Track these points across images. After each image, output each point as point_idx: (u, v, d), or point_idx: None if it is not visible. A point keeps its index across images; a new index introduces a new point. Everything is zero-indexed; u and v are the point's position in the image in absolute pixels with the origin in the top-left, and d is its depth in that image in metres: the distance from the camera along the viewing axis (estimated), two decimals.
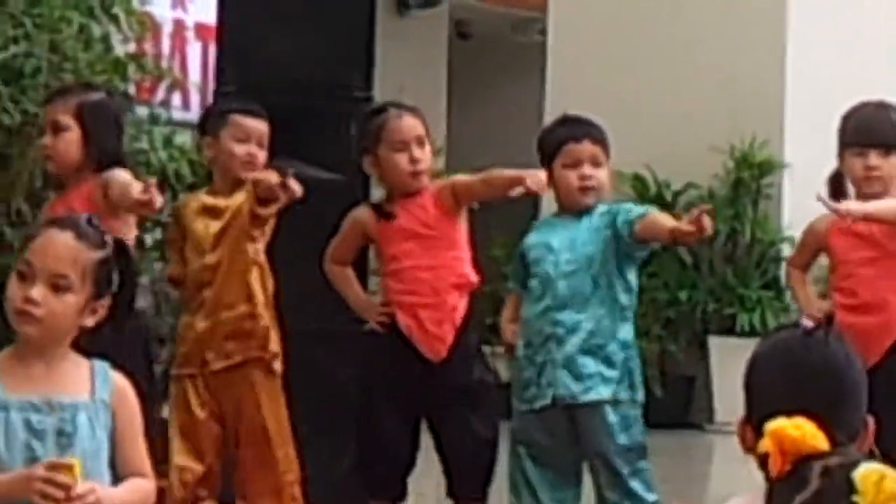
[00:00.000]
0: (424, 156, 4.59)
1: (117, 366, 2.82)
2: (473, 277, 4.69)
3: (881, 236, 4.65)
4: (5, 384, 2.57)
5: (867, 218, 4.33)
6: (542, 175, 4.30)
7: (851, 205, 4.29)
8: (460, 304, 4.64)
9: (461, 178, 4.81)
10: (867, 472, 1.82)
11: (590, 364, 4.55)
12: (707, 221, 4.47)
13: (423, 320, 4.53)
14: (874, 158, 4.58)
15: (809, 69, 9.19)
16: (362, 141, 4.70)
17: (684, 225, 4.58)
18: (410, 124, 4.62)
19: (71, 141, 4.67)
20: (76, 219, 2.78)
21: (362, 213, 4.73)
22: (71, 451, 2.47)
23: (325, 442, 5.61)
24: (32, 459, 2.48)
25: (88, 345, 2.98)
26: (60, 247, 2.65)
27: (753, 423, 2.01)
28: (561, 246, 4.61)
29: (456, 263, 4.65)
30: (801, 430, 1.91)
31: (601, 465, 4.63)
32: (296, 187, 4.59)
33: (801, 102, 9.08)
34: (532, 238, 4.77)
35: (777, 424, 1.91)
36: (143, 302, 4.86)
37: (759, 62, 9.25)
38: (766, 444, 1.91)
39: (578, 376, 4.55)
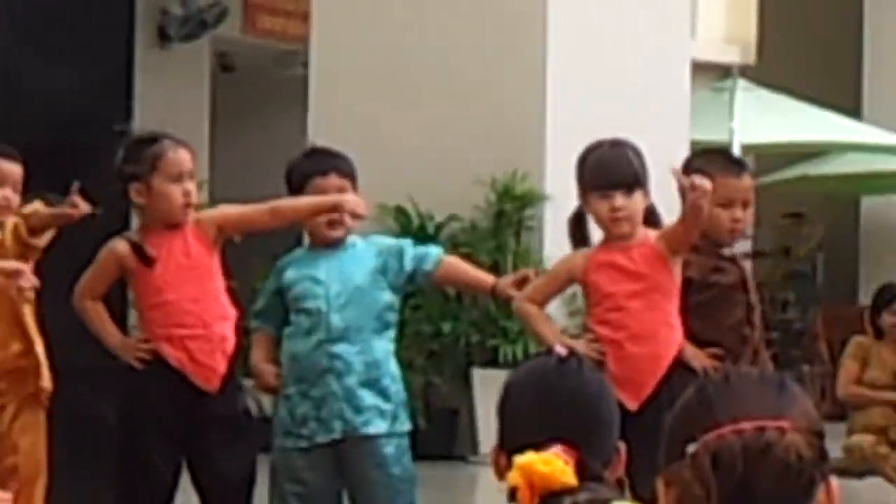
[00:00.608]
0: (194, 189, 4.67)
1: None
2: (233, 309, 4.70)
3: (645, 269, 4.72)
4: None
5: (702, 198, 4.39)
6: (359, 199, 4.45)
7: (697, 179, 4.33)
8: (228, 334, 4.70)
9: (229, 210, 4.89)
10: None
11: (367, 397, 4.71)
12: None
13: (194, 351, 4.57)
14: (619, 199, 4.65)
15: (569, 104, 9.21)
16: (132, 167, 4.66)
17: (509, 288, 4.82)
18: (186, 157, 4.68)
19: None
20: None
21: (120, 247, 4.66)
22: None
23: (86, 477, 5.60)
24: None
25: None
26: None
27: (507, 451, 2.01)
28: (329, 278, 4.69)
29: (218, 295, 4.69)
30: (551, 466, 1.91)
31: (374, 498, 4.69)
32: (83, 204, 4.60)
33: (562, 136, 8.87)
34: (291, 274, 4.79)
35: (526, 459, 1.91)
36: None
37: (519, 97, 9.31)
38: (514, 478, 1.89)
39: (358, 409, 4.70)
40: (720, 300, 4.88)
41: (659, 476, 1.71)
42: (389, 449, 4.70)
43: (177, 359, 4.57)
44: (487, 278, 5.12)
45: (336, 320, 4.71)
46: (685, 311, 4.75)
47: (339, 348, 4.69)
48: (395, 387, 4.76)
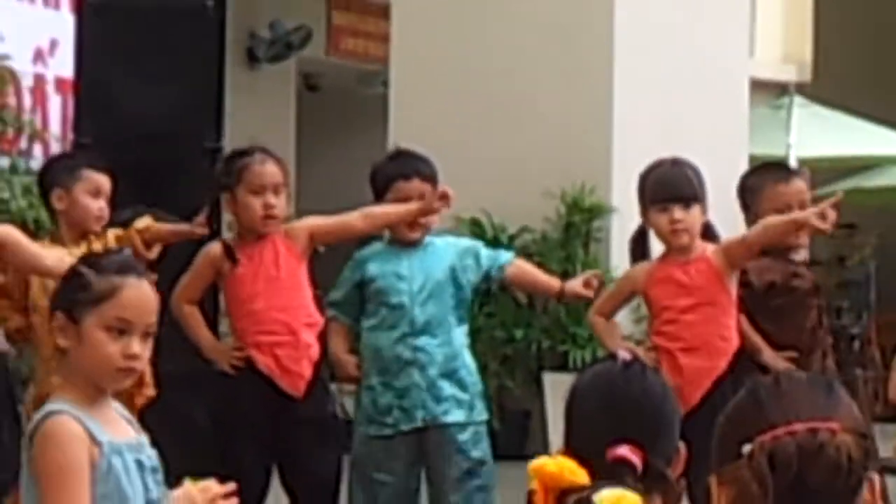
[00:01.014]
0: (279, 203, 4.63)
1: None
2: (318, 317, 4.76)
3: (701, 283, 4.77)
4: (108, 430, 2.48)
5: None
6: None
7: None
8: (314, 341, 4.68)
9: (320, 219, 4.92)
10: (607, 494, 1.92)
11: (446, 388, 4.75)
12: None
13: (282, 358, 4.57)
14: (678, 212, 4.69)
15: (634, 120, 9.14)
16: (223, 178, 4.74)
17: (578, 288, 5.00)
18: (271, 171, 4.68)
19: None
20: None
21: (214, 249, 4.76)
22: (163, 484, 2.50)
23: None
24: (148, 500, 2.48)
25: None
26: (152, 297, 2.56)
27: (572, 453, 2.04)
28: (412, 274, 4.78)
29: (306, 303, 4.69)
30: (560, 467, 1.94)
31: (451, 482, 4.74)
32: (204, 227, 4.76)
33: (627, 151, 8.99)
34: (374, 268, 4.87)
35: (538, 462, 1.96)
36: (3, 344, 4.78)
37: (587, 114, 9.20)
38: (532, 482, 1.94)
39: (438, 399, 4.73)
40: (798, 304, 4.93)
41: (712, 475, 1.71)
42: (467, 436, 4.74)
43: (266, 365, 4.58)
44: (555, 281, 5.17)
45: (419, 314, 4.79)
46: (764, 313, 4.82)
47: (422, 341, 4.77)
48: (472, 378, 4.83)
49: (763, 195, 4.98)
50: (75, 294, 2.43)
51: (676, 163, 4.97)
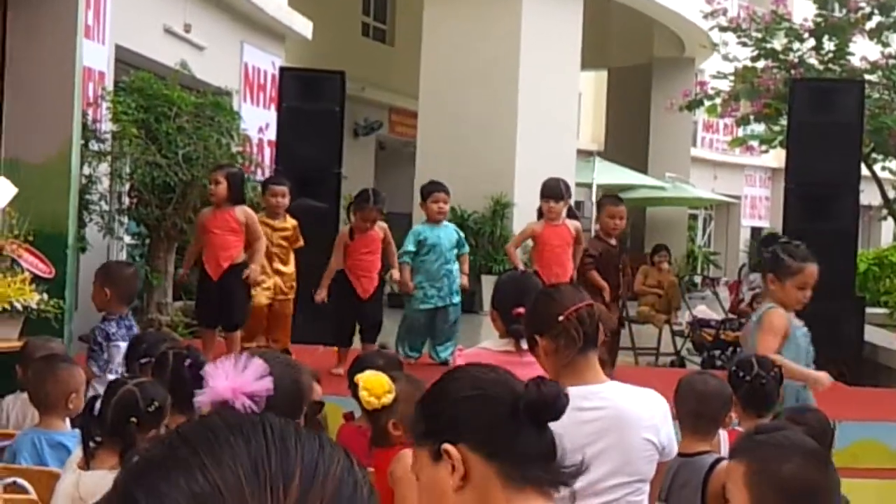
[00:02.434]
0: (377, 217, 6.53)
1: None
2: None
3: (562, 236, 6.67)
4: None
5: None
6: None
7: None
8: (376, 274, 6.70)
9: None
10: (365, 374, 2.88)
11: (454, 287, 7.04)
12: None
13: (363, 281, 6.74)
14: (553, 203, 6.47)
15: (525, 163, 13.77)
16: (357, 204, 6.57)
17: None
18: (374, 215, 6.64)
19: (223, 189, 6.30)
20: None
21: (345, 230, 6.66)
22: None
23: None
24: None
25: None
26: None
27: (497, 313, 3.17)
28: (441, 238, 6.96)
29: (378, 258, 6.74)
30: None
31: (448, 325, 7.06)
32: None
33: (522, 177, 13.67)
34: (424, 234, 6.96)
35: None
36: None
37: (504, 159, 14.11)
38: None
39: (452, 292, 7.06)
40: (612, 262, 6.89)
41: (536, 336, 2.58)
42: (457, 312, 7.05)
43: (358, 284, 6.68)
44: (464, 270, 7.25)
45: (448, 254, 6.93)
46: (599, 267, 6.60)
47: (449, 266, 7.01)
48: (457, 284, 6.99)
49: (603, 210, 6.76)
50: None
51: (554, 178, 6.59)
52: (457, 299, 7.02)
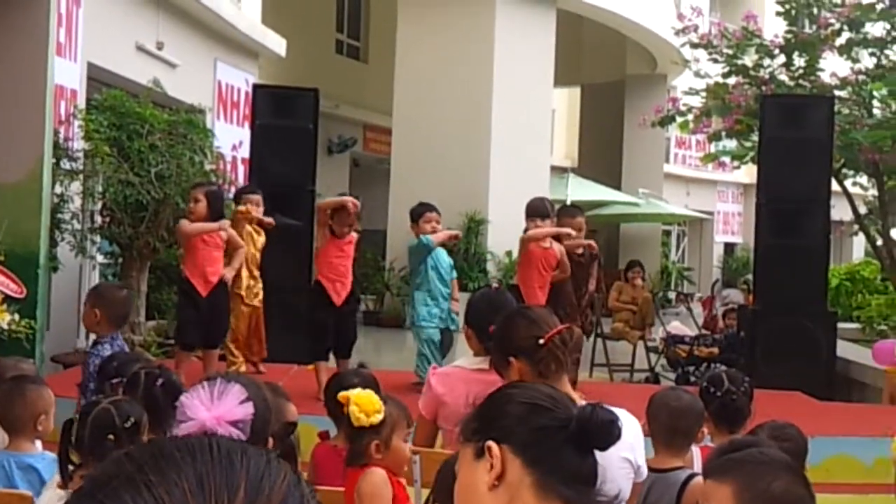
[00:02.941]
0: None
1: None
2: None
3: (548, 250, 6.64)
4: None
5: None
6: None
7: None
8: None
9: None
10: (354, 391, 2.85)
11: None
12: None
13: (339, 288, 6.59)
14: (539, 221, 6.51)
15: (499, 181, 14.06)
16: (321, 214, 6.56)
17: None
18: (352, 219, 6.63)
19: (203, 207, 6.40)
20: None
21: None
22: None
23: None
24: None
25: None
26: None
27: (471, 328, 3.31)
28: (440, 260, 7.16)
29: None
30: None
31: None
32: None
33: (496, 195, 14.13)
34: (430, 245, 7.02)
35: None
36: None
37: (479, 181, 14.19)
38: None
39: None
40: (584, 271, 7.06)
41: (509, 359, 2.64)
42: (451, 338, 7.03)
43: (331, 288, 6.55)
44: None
45: (447, 277, 7.13)
46: (574, 276, 6.73)
47: (447, 291, 7.15)
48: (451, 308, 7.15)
49: (561, 222, 6.83)
50: None
51: (538, 198, 6.76)
52: (453, 326, 7.01)
